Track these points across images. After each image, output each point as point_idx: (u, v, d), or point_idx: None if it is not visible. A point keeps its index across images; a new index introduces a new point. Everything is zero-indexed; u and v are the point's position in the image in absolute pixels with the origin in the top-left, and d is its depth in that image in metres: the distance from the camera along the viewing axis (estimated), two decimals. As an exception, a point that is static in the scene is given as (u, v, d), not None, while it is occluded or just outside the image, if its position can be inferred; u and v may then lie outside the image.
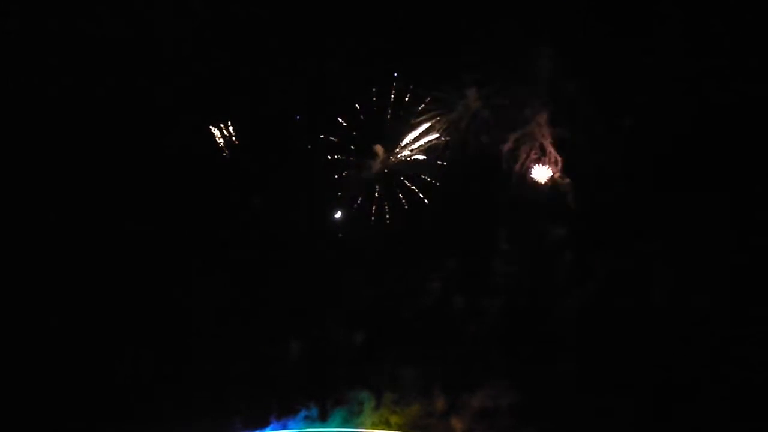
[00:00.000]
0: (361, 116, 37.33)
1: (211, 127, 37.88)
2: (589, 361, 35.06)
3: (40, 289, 36.21)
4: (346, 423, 36.32)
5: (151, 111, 37.06)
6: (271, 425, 36.30)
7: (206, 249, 38.02)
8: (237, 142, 38.15)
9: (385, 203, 37.88)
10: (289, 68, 37.06)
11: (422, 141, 37.28)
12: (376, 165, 37.48)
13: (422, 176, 37.50)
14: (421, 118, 36.83)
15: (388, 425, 36.44)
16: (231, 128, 38.10)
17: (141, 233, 37.18)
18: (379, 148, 37.31)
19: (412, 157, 37.55)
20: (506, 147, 35.86)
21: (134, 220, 37.17)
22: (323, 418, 36.45)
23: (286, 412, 36.37)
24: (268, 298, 37.79)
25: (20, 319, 35.67)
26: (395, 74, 36.60)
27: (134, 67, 36.72)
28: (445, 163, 37.23)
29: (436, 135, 36.94)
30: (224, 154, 37.99)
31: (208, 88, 37.39)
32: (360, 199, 38.07)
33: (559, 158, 35.76)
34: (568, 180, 35.92)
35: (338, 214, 38.32)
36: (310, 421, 36.38)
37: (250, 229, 38.27)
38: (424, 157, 37.32)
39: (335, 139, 37.71)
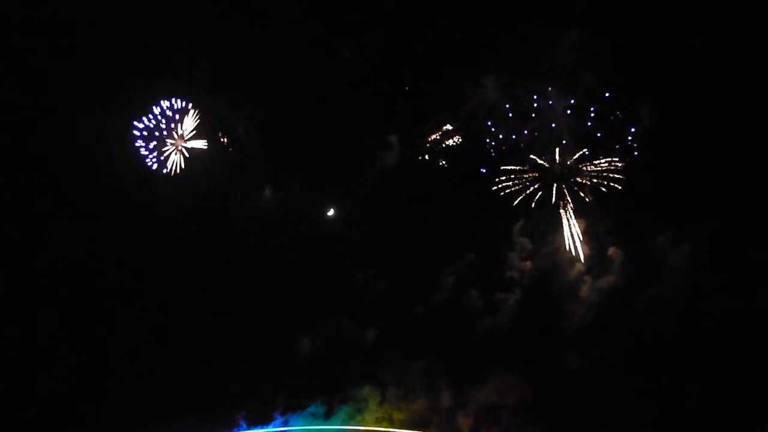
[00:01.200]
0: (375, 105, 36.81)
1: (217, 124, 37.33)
2: (596, 359, 35.02)
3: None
4: (349, 420, 35.71)
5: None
6: (275, 422, 35.58)
7: (210, 248, 37.42)
8: (245, 138, 37.58)
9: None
10: (303, 59, 36.54)
11: (438, 132, 36.72)
12: (392, 156, 36.72)
13: (439, 168, 37.06)
14: (438, 109, 36.26)
15: (391, 422, 35.84)
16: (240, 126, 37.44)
17: (145, 233, 36.82)
18: (393, 139, 36.51)
19: (429, 148, 36.99)
20: (523, 138, 35.49)
21: (137, 220, 36.83)
22: (329, 416, 35.75)
23: (291, 409, 35.59)
24: (275, 296, 37.09)
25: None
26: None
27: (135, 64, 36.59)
28: (460, 155, 36.77)
29: (452, 126, 36.41)
30: (231, 150, 37.34)
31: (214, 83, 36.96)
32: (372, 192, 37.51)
33: (576, 152, 35.51)
34: (584, 174, 35.66)
35: (331, 212, 37.95)
36: (314, 418, 35.64)
37: (258, 226, 37.55)
38: (441, 148, 36.83)
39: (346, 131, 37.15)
